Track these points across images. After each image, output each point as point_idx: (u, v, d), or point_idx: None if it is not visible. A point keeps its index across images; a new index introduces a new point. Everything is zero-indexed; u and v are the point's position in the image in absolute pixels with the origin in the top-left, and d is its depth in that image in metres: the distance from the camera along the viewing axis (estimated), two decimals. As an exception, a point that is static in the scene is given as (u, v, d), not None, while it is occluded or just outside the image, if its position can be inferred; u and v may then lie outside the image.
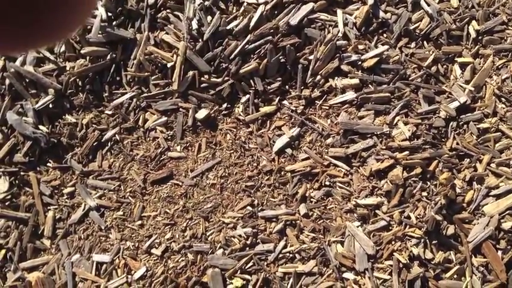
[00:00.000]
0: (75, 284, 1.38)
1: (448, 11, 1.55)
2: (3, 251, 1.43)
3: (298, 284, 1.30)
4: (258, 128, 1.47)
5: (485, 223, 1.30)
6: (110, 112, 1.52)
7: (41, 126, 1.51)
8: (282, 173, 1.41)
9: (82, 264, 1.40)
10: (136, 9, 1.57)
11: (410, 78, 1.47)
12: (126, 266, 1.38)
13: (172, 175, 1.46)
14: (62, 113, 1.54)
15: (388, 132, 1.39)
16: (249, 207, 1.39)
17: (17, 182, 1.50)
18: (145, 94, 1.52)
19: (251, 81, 1.49)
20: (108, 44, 1.55)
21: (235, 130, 1.48)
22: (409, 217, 1.31)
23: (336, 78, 1.47)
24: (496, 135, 1.41)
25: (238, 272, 1.32)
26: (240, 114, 1.48)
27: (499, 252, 1.29)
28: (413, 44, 1.52)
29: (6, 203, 1.47)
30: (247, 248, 1.35)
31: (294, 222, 1.36)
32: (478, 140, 1.40)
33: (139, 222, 1.42)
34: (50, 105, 1.53)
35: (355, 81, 1.45)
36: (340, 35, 1.49)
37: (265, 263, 1.33)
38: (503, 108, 1.44)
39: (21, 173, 1.50)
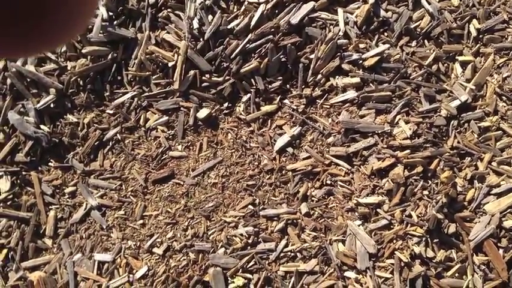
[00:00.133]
0: (77, 284, 1.39)
1: (448, 9, 1.55)
2: (5, 251, 1.43)
3: (300, 282, 1.30)
4: (259, 127, 1.47)
5: (487, 221, 1.30)
6: (111, 111, 1.53)
7: (42, 126, 1.52)
8: (283, 172, 1.41)
9: (84, 264, 1.40)
10: (137, 8, 1.57)
11: (411, 77, 1.47)
12: (127, 265, 1.38)
13: (174, 174, 1.46)
14: (63, 112, 1.54)
15: (389, 131, 1.39)
16: (250, 206, 1.39)
17: (18, 181, 1.50)
18: (147, 93, 1.52)
19: (252, 80, 1.49)
20: (109, 43, 1.55)
21: (236, 129, 1.48)
22: (410, 216, 1.31)
23: (337, 77, 1.47)
24: (497, 133, 1.41)
25: (240, 271, 1.32)
26: (241, 114, 1.48)
27: (501, 251, 1.29)
28: (414, 43, 1.52)
29: (8, 203, 1.47)
30: (249, 247, 1.35)
31: (295, 221, 1.36)
32: (479, 139, 1.40)
33: (141, 221, 1.42)
34: (51, 105, 1.54)
35: (356, 80, 1.45)
36: (341, 33, 1.49)
37: (267, 262, 1.33)
38: (504, 106, 1.44)
39: (23, 173, 1.50)
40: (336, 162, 1.40)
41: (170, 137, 1.50)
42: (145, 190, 1.45)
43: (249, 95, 1.49)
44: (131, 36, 1.54)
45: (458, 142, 1.40)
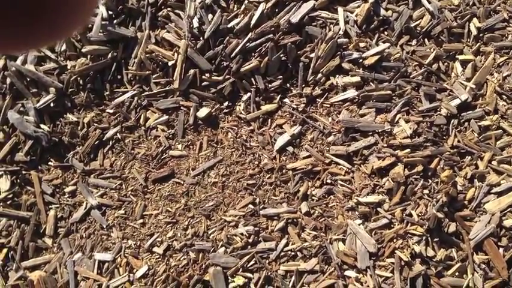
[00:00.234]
0: (77, 283, 1.38)
1: (449, 8, 1.55)
2: (5, 250, 1.43)
3: (300, 282, 1.30)
4: (259, 126, 1.47)
5: (487, 220, 1.30)
6: (111, 111, 1.52)
7: (42, 125, 1.51)
8: (284, 171, 1.41)
9: (84, 263, 1.40)
10: (137, 7, 1.56)
11: (411, 76, 1.47)
12: (128, 265, 1.38)
13: (174, 174, 1.46)
14: (63, 111, 1.54)
15: (389, 130, 1.39)
16: (250, 206, 1.39)
17: (18, 181, 1.50)
18: (147, 93, 1.52)
19: (252, 79, 1.49)
20: (109, 42, 1.55)
21: (236, 128, 1.48)
22: (410, 215, 1.31)
23: (337, 76, 1.47)
24: (497, 132, 1.41)
25: (240, 270, 1.32)
26: (241, 113, 1.48)
27: (501, 250, 1.29)
28: (414, 42, 1.52)
29: (8, 202, 1.47)
30: (249, 246, 1.35)
31: (295, 220, 1.36)
32: (479, 138, 1.40)
33: (141, 220, 1.42)
34: (51, 104, 1.53)
35: (356, 79, 1.45)
36: (341, 32, 1.49)
37: (267, 261, 1.33)
38: (504, 105, 1.44)
39: (23, 172, 1.50)
40: (336, 161, 1.40)
41: (170, 136, 1.50)
42: (146, 189, 1.45)
43: (249, 94, 1.49)
44: (131, 35, 1.54)
45: (459, 141, 1.40)
